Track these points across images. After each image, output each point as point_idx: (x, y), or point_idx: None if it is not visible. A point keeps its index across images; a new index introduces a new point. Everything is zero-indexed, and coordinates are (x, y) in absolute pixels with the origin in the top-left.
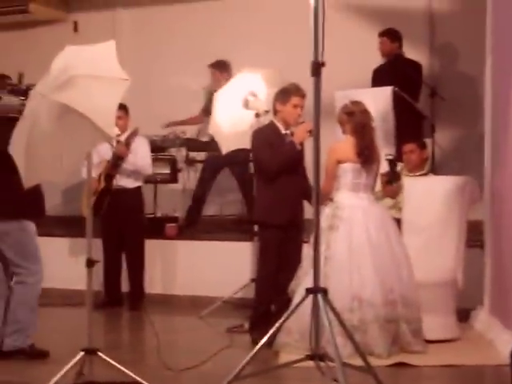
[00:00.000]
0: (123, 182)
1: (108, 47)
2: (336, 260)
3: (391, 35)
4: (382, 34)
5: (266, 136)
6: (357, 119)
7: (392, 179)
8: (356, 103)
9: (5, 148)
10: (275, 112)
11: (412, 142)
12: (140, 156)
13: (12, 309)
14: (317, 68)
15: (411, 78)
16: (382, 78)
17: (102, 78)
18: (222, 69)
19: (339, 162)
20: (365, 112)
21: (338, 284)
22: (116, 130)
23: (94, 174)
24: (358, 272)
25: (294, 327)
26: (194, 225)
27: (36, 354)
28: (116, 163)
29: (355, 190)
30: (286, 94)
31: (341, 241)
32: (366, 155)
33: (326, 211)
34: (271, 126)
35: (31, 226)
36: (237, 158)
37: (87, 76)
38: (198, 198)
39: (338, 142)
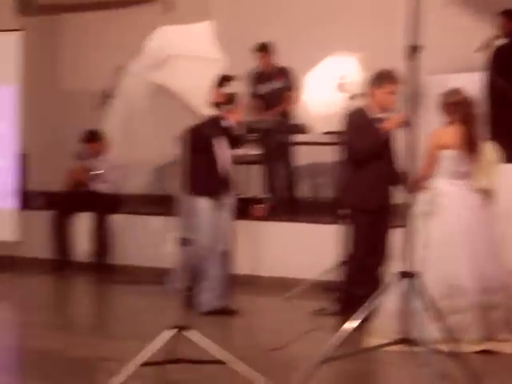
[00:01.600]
0: None
1: (205, 27)
2: (434, 246)
3: (509, 15)
4: (501, 14)
5: (357, 119)
6: (465, 110)
7: None
8: (457, 92)
9: None
10: (369, 96)
11: None
12: None
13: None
14: (413, 51)
15: None
16: (502, 57)
17: (197, 59)
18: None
19: (442, 147)
20: (471, 102)
21: (435, 270)
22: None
23: None
24: (456, 259)
25: (393, 311)
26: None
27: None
28: None
29: (454, 177)
30: (382, 79)
31: (439, 228)
32: (472, 143)
33: (425, 197)
34: (364, 109)
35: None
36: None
37: (183, 56)
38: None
39: (441, 128)
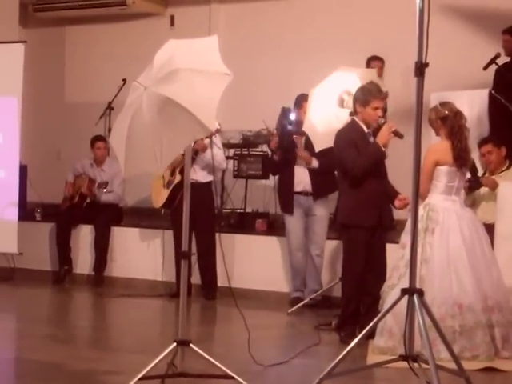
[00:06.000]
0: (197, 175)
1: (211, 42)
2: (435, 264)
3: None
4: (504, 32)
5: (350, 136)
6: (452, 122)
7: (474, 186)
8: (446, 104)
9: None
10: (355, 112)
11: (486, 142)
12: (214, 151)
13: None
14: (420, 68)
15: None
16: (505, 76)
17: (204, 72)
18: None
19: (437, 163)
20: (458, 113)
21: (438, 289)
22: (216, 125)
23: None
24: (457, 277)
25: (397, 329)
26: None
27: None
28: (192, 157)
29: (448, 192)
30: (367, 96)
31: (438, 244)
32: (463, 158)
33: (420, 213)
34: (354, 124)
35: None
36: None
37: (190, 70)
38: None
39: (436, 144)
